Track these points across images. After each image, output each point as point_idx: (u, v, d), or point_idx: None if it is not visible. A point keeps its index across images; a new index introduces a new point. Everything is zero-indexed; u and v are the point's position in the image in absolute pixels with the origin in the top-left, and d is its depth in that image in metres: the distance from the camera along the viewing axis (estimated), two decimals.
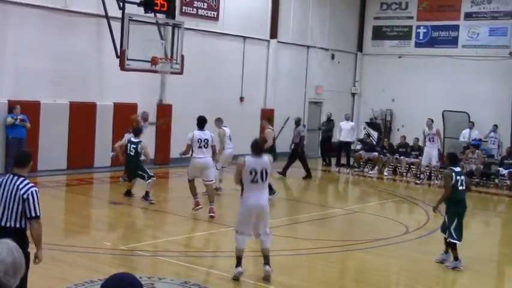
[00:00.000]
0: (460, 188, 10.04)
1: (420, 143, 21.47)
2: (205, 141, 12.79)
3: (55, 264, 8.80)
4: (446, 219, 10.11)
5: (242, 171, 8.50)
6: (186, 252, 10.54)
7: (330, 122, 23.72)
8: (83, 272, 8.60)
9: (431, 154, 20.05)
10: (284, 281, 8.95)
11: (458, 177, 10.02)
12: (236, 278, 8.62)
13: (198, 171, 12.91)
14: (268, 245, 8.76)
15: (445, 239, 10.12)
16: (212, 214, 12.51)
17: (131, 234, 11.64)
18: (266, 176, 8.58)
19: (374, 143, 23.86)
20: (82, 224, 12.12)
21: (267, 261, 8.73)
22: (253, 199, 8.55)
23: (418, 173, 21.08)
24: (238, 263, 8.69)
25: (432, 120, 20.54)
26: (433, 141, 20.15)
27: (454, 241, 9.98)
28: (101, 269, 8.97)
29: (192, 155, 12.93)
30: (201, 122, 12.98)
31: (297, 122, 20.20)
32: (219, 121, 15.59)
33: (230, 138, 15.44)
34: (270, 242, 8.83)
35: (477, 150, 20.38)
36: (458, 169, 10.28)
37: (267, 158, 8.71)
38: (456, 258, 10.02)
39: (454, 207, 10.05)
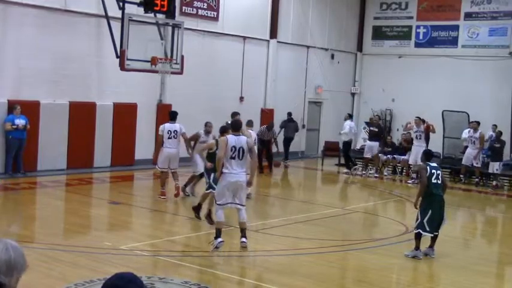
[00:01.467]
0: (434, 181, 10.25)
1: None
2: (175, 132, 14.09)
3: (55, 264, 8.80)
4: (419, 213, 10.33)
5: (225, 148, 9.42)
6: (186, 252, 10.54)
7: (291, 121, 23.21)
8: (82, 272, 8.60)
9: (418, 152, 19.30)
10: (284, 280, 8.94)
11: (433, 171, 10.26)
12: (217, 248, 9.57)
13: (167, 161, 14.19)
14: (245, 218, 9.74)
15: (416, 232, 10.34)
16: (176, 192, 14.17)
17: (131, 234, 11.63)
18: (243, 154, 9.48)
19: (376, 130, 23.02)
20: (82, 224, 12.11)
21: (243, 234, 9.60)
22: (232, 174, 9.48)
23: (406, 171, 21.12)
24: (218, 234, 9.61)
25: (419, 119, 20.22)
26: (420, 138, 19.83)
27: (426, 233, 10.26)
28: (101, 268, 8.96)
29: (162, 145, 14.21)
30: (172, 115, 14.34)
31: (271, 127, 20.50)
32: (248, 124, 15.71)
33: (256, 142, 15.87)
34: (246, 215, 9.81)
35: (480, 130, 20.06)
36: (434, 164, 10.55)
37: (245, 138, 9.72)
38: (417, 248, 10.33)
39: (428, 200, 10.27)
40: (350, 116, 23.33)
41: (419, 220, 10.32)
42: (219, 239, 9.57)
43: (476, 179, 20.11)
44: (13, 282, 2.80)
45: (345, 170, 21.84)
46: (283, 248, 10.70)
